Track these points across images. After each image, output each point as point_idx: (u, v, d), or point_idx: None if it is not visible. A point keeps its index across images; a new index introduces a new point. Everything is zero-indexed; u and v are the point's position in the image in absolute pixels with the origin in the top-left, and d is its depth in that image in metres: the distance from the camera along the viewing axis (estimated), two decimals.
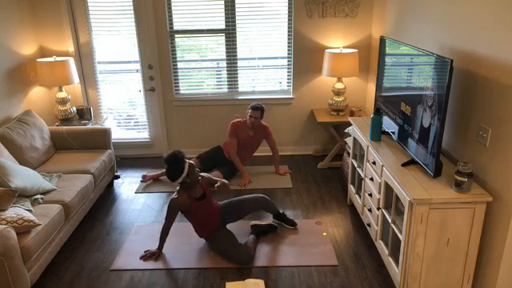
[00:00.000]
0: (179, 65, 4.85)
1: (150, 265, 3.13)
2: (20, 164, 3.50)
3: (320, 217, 3.73)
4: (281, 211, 3.58)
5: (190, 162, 3.09)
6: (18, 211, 2.82)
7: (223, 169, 4.35)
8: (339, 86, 4.61)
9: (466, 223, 2.43)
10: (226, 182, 3.31)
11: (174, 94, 4.91)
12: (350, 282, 2.91)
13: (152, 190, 4.30)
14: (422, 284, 2.57)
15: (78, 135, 4.17)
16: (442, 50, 2.95)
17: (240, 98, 4.92)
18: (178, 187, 3.16)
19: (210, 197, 3.27)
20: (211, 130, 5.05)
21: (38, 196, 3.22)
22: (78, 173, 3.70)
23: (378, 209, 2.99)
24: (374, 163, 3.11)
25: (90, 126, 4.35)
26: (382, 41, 3.42)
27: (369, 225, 3.25)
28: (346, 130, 4.07)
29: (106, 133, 4.21)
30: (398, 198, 2.69)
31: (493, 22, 2.35)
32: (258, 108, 4.27)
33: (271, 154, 4.64)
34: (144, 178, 4.46)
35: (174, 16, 4.65)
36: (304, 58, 4.76)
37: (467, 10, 2.61)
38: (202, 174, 3.31)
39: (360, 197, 3.54)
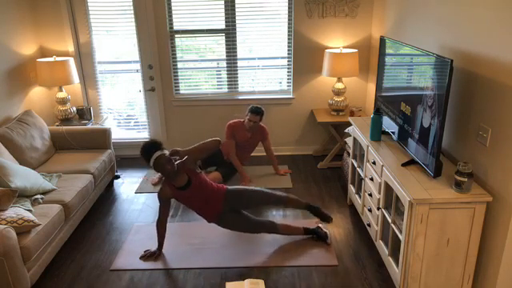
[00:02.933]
0: (179, 65, 4.85)
1: (149, 265, 3.13)
2: (20, 164, 3.50)
3: None
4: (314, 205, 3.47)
5: (163, 153, 2.95)
6: (18, 211, 2.82)
7: (222, 170, 4.35)
8: (339, 85, 4.61)
9: (466, 223, 2.43)
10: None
11: (174, 94, 4.91)
12: (350, 282, 2.91)
13: (152, 190, 4.30)
14: (422, 284, 2.57)
15: (78, 135, 4.17)
16: (442, 50, 2.95)
17: (240, 97, 4.92)
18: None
19: (199, 183, 3.09)
20: (211, 130, 5.04)
21: (38, 196, 3.22)
22: (77, 173, 3.70)
23: (378, 209, 2.99)
24: (374, 163, 3.11)
25: (89, 126, 4.35)
26: (382, 41, 3.42)
27: (369, 225, 3.25)
28: (346, 130, 4.07)
29: (105, 133, 4.21)
30: (398, 198, 2.68)
31: (493, 22, 2.35)
32: (258, 113, 4.22)
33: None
34: (153, 181, 4.45)
35: (173, 16, 4.65)
36: (304, 58, 4.76)
37: (467, 10, 2.61)
38: (181, 158, 3.01)
39: (360, 197, 3.53)
